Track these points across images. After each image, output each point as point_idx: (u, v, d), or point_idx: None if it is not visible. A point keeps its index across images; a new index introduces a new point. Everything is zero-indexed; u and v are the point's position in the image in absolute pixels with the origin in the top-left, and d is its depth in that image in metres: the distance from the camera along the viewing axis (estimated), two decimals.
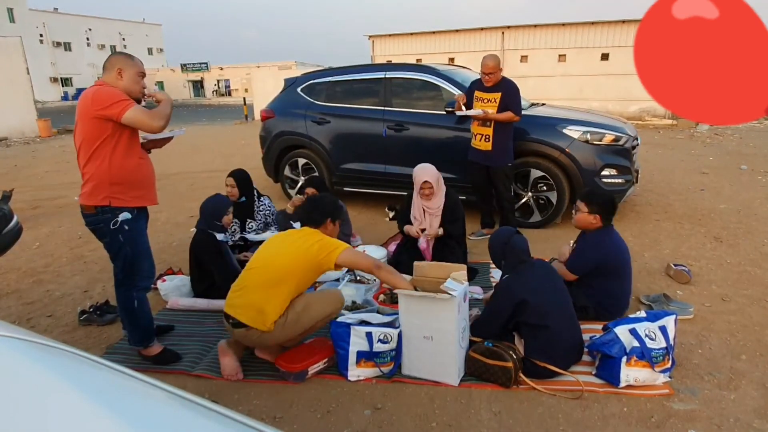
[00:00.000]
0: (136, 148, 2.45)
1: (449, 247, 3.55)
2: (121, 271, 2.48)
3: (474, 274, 3.53)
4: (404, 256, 3.49)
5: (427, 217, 3.58)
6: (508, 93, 4.07)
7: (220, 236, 3.25)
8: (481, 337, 2.46)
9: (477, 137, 4.23)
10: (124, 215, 2.39)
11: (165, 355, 2.61)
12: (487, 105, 4.12)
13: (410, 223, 3.66)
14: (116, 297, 2.56)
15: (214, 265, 3.16)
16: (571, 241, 3.16)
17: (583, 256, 2.90)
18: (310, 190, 3.77)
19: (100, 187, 2.35)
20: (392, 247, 3.90)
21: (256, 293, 2.34)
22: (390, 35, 20.88)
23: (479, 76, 4.26)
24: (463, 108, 4.18)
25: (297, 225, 3.58)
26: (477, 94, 4.21)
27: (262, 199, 3.89)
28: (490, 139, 4.13)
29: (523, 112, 4.83)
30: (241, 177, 3.72)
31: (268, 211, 3.90)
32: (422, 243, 3.53)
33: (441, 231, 3.57)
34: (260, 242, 3.65)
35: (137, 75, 2.44)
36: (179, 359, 2.61)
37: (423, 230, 3.54)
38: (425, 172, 3.53)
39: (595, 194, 2.96)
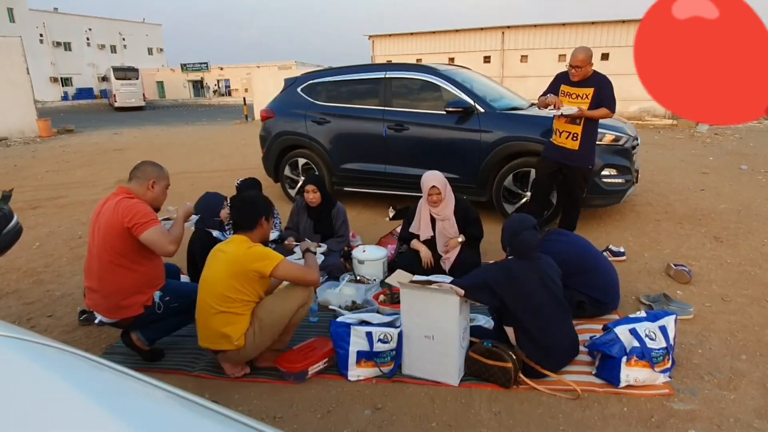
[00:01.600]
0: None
1: (467, 254, 3.48)
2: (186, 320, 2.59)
3: None
4: (405, 263, 3.37)
5: (438, 224, 3.51)
6: (603, 88, 3.73)
7: (216, 233, 3.26)
8: (468, 297, 2.39)
9: (562, 134, 3.88)
10: (156, 294, 2.53)
11: (155, 352, 2.66)
12: (576, 101, 3.78)
13: (411, 232, 3.59)
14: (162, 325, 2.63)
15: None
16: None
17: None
18: (310, 188, 3.77)
19: (137, 296, 2.46)
20: (390, 248, 3.88)
21: (212, 319, 2.31)
22: (390, 35, 20.88)
23: (565, 69, 3.89)
24: (559, 108, 3.74)
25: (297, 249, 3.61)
26: (564, 88, 3.85)
27: None
28: (578, 137, 3.80)
29: (522, 112, 4.87)
30: (250, 187, 3.74)
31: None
32: (445, 260, 3.48)
33: (462, 238, 3.47)
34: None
35: (165, 188, 2.61)
36: (163, 356, 2.67)
37: (439, 256, 3.46)
38: (431, 177, 3.46)
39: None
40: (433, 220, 3.54)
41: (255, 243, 2.37)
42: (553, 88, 3.95)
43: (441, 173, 3.54)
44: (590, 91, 3.75)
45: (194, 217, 3.07)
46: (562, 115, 3.77)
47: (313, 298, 2.58)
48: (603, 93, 3.74)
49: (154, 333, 2.60)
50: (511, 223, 2.57)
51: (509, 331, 2.42)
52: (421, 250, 3.49)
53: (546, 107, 3.87)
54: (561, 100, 3.83)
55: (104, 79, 35.61)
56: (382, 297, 3.09)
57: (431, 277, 2.59)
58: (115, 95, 30.17)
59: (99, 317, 2.53)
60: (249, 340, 2.32)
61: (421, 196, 3.59)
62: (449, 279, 2.60)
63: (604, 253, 3.63)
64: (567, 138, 3.88)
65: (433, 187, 3.42)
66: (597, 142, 4.38)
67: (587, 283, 2.88)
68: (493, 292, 2.35)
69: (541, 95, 3.99)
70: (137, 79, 30.78)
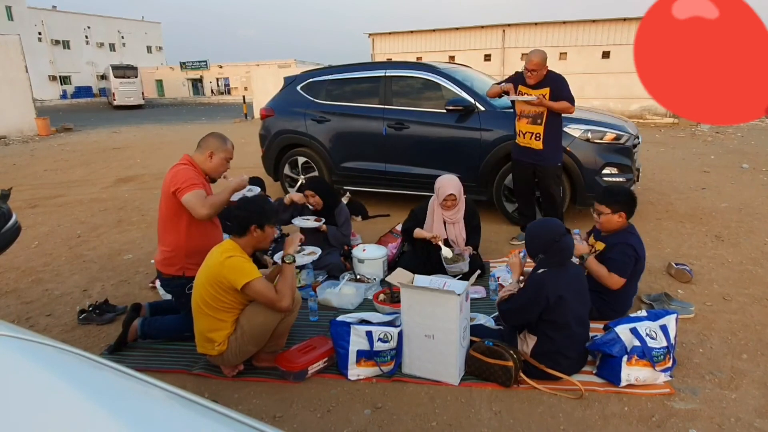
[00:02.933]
0: (208, 222, 2.69)
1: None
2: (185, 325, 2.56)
3: (482, 274, 3.51)
4: (407, 263, 3.35)
5: (448, 227, 3.53)
6: (558, 86, 3.80)
7: None
8: (508, 322, 2.43)
9: (526, 135, 3.97)
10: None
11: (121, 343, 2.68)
12: (534, 105, 3.87)
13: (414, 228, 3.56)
14: (168, 320, 2.74)
15: None
16: (577, 231, 3.07)
17: (625, 257, 2.74)
18: (309, 193, 3.76)
19: (176, 258, 2.65)
20: (390, 247, 3.88)
21: (199, 322, 2.35)
22: (390, 33, 20.84)
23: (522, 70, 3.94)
24: (513, 93, 3.85)
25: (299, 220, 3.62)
26: (521, 89, 3.92)
27: (268, 200, 3.94)
28: (541, 137, 3.89)
29: None
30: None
31: None
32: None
33: (470, 249, 3.50)
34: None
35: (225, 160, 2.74)
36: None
37: (437, 238, 3.43)
38: (449, 184, 3.45)
39: (613, 192, 2.87)
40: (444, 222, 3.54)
41: (241, 251, 2.32)
42: (511, 83, 4.03)
43: (456, 177, 3.54)
44: (546, 90, 3.84)
45: (248, 189, 3.15)
46: (521, 100, 3.81)
47: (298, 307, 2.50)
48: (558, 90, 3.82)
49: (151, 326, 2.70)
50: (543, 229, 2.42)
51: (531, 340, 2.38)
52: (426, 236, 3.46)
53: (498, 94, 4.01)
54: (518, 102, 3.95)
55: (103, 77, 35.57)
56: (381, 296, 3.09)
57: (432, 278, 2.59)
58: (114, 93, 30.12)
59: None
60: (231, 345, 2.32)
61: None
62: (450, 280, 2.59)
63: None
64: (531, 138, 3.98)
65: (451, 194, 3.42)
66: (598, 141, 4.40)
67: (620, 290, 2.76)
68: (534, 310, 2.32)
69: (495, 84, 4.11)
70: (136, 77, 30.75)
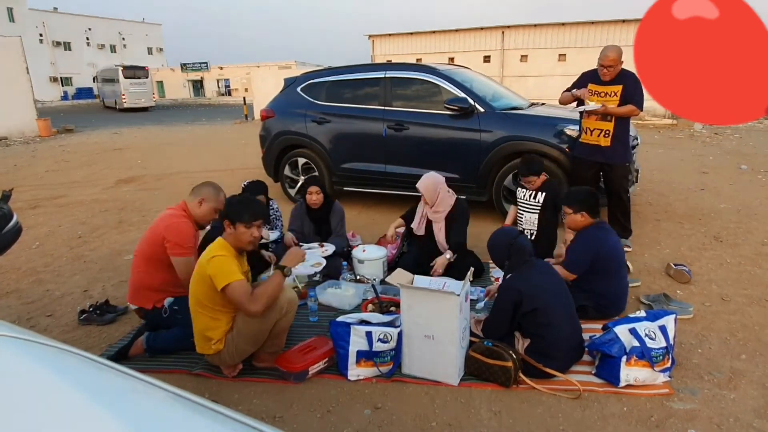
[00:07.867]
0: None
1: (460, 257, 3.47)
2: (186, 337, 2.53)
3: (480, 273, 3.52)
4: (406, 263, 3.39)
5: (434, 226, 3.52)
6: (631, 85, 3.69)
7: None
8: (493, 338, 2.45)
9: (593, 132, 3.86)
10: (167, 300, 2.70)
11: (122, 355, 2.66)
12: (605, 99, 3.78)
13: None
14: (173, 332, 2.67)
15: None
16: (567, 240, 3.15)
17: (578, 253, 2.87)
18: (314, 189, 3.78)
19: (148, 291, 2.70)
20: (390, 248, 3.88)
21: (197, 321, 2.36)
22: (390, 35, 20.89)
23: (596, 68, 3.88)
24: (585, 102, 3.79)
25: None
26: (592, 87, 3.85)
27: (270, 203, 3.95)
28: (611, 134, 3.79)
29: (522, 112, 4.88)
30: (256, 189, 3.82)
31: (276, 215, 3.98)
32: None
33: (449, 255, 3.39)
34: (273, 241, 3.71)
35: (213, 210, 2.76)
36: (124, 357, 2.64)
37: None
38: (422, 180, 3.50)
39: (574, 193, 3.00)
40: (429, 222, 3.54)
41: (228, 250, 2.31)
42: (580, 86, 3.96)
43: (431, 174, 3.54)
44: (618, 88, 3.75)
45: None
46: (585, 111, 3.78)
47: (294, 308, 2.44)
48: (631, 89, 3.72)
49: (157, 340, 2.66)
50: (497, 238, 2.59)
51: (526, 342, 2.41)
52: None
53: (571, 102, 3.94)
54: (589, 98, 3.85)
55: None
56: (370, 306, 3.07)
57: (432, 278, 2.60)
58: (123, 95, 28.86)
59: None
60: (228, 344, 2.33)
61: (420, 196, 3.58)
62: (449, 281, 2.60)
63: None
64: (599, 136, 3.87)
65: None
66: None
67: (601, 287, 2.82)
68: (510, 314, 2.41)
69: (565, 91, 4.01)
70: (146, 78, 29.30)
